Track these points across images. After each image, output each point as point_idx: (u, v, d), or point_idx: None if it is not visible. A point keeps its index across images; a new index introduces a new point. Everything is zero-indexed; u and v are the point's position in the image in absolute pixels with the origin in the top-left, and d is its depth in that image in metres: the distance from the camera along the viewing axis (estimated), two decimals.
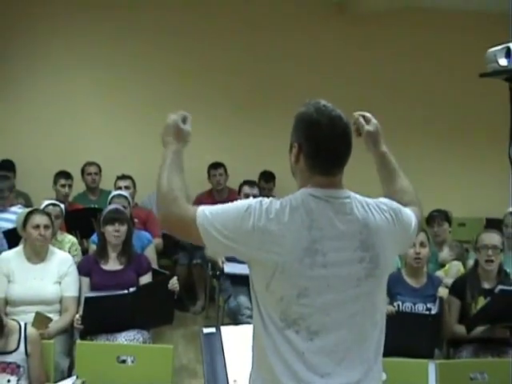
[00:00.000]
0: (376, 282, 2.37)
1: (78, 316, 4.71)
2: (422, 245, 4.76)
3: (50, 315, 4.71)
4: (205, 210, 2.35)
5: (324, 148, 2.34)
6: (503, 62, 3.74)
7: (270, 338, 2.33)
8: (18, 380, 4.02)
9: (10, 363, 4.02)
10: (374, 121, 2.74)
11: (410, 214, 2.54)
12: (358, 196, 2.42)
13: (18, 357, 4.04)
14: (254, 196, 6.47)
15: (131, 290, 4.85)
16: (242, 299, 6.07)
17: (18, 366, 4.03)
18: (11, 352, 4.04)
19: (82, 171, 7.65)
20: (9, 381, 3.99)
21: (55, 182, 7.29)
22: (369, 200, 2.43)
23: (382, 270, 2.39)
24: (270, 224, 2.28)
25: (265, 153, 8.27)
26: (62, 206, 5.96)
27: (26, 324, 4.18)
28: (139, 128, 8.28)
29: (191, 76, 8.37)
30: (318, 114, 2.36)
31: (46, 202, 5.79)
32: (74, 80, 8.26)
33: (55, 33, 8.18)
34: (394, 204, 2.49)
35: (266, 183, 8.09)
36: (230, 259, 6.10)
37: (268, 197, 2.41)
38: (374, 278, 2.36)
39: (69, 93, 8.22)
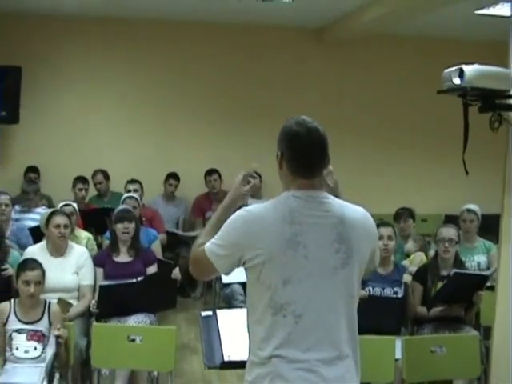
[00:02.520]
0: (351, 271, 2.39)
1: (93, 302, 4.72)
2: (389, 238, 4.80)
3: (70, 301, 4.74)
4: (209, 243, 2.42)
5: (302, 155, 2.38)
6: (457, 80, 3.79)
7: (261, 324, 2.37)
8: (43, 348, 4.07)
9: (37, 331, 4.08)
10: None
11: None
12: (336, 199, 2.45)
13: (43, 326, 4.10)
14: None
15: (139, 279, 4.86)
16: (235, 287, 6.09)
17: (43, 335, 4.09)
18: (37, 321, 4.11)
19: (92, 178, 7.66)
20: (35, 348, 4.04)
21: (74, 186, 7.29)
22: (345, 202, 2.47)
23: (356, 259, 2.40)
24: (254, 225, 2.32)
25: (252, 159, 8.29)
26: (75, 204, 5.97)
27: (49, 301, 4.25)
28: (144, 139, 8.32)
29: (190, 96, 8.41)
30: (297, 126, 2.40)
31: (61, 204, 5.84)
32: (91, 99, 8.29)
33: (76, 59, 8.23)
34: (369, 217, 2.52)
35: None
36: None
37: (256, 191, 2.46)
38: (349, 267, 2.38)
39: (86, 110, 8.26)
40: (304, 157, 2.38)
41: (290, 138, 2.40)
